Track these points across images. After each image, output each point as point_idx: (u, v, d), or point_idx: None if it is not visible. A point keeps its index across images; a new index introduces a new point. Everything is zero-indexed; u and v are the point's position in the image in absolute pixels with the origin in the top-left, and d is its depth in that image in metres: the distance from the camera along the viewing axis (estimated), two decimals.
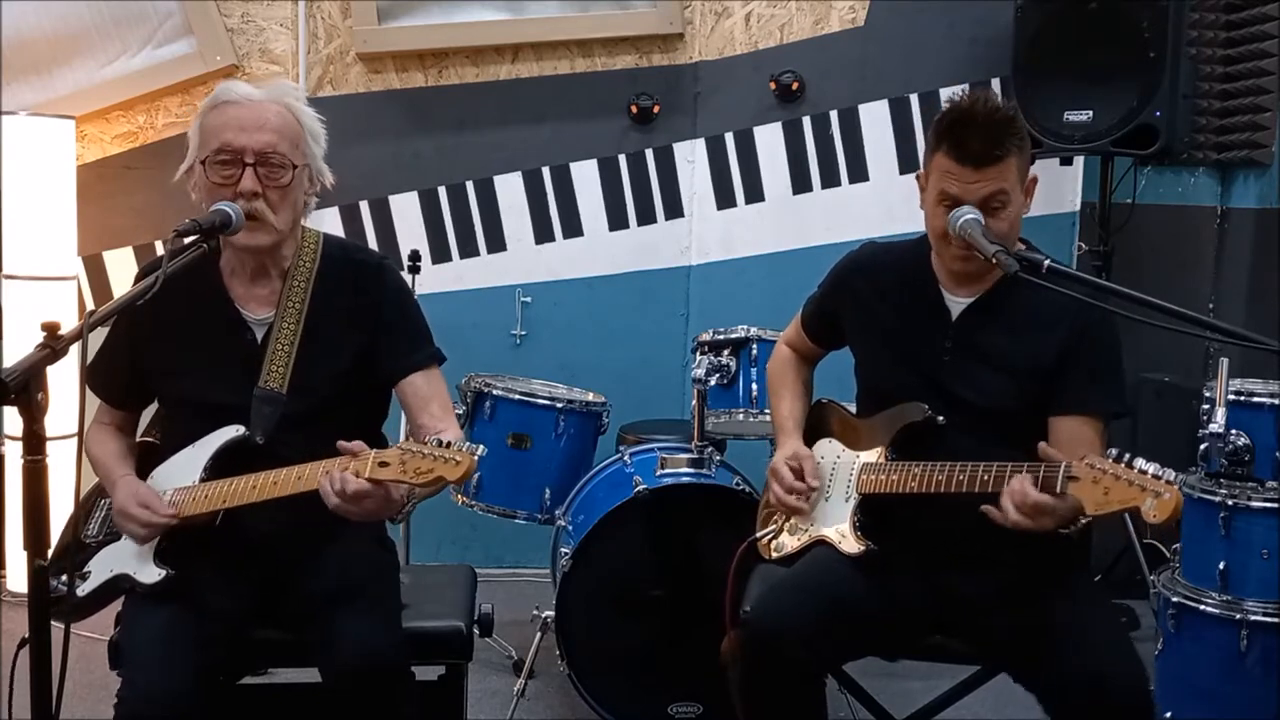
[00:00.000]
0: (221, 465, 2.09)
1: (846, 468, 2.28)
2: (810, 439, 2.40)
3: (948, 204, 2.10)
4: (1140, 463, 1.80)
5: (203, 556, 2.07)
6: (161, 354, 2.18)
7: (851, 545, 2.19)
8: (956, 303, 2.21)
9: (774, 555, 2.35)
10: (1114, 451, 1.85)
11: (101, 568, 2.13)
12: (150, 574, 2.05)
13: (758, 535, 2.39)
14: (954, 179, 2.09)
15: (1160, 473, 1.78)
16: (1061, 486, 1.88)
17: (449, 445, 1.85)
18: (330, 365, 2.15)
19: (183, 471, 2.12)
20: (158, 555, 2.06)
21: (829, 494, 2.29)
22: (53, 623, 1.64)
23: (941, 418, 2.16)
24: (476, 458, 1.83)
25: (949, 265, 2.18)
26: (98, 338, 1.92)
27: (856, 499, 2.23)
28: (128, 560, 2.09)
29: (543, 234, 4.17)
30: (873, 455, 2.24)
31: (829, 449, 2.36)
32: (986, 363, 2.17)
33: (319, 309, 2.16)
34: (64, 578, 2.06)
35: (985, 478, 1.99)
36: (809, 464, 2.31)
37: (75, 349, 1.63)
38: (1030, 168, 2.17)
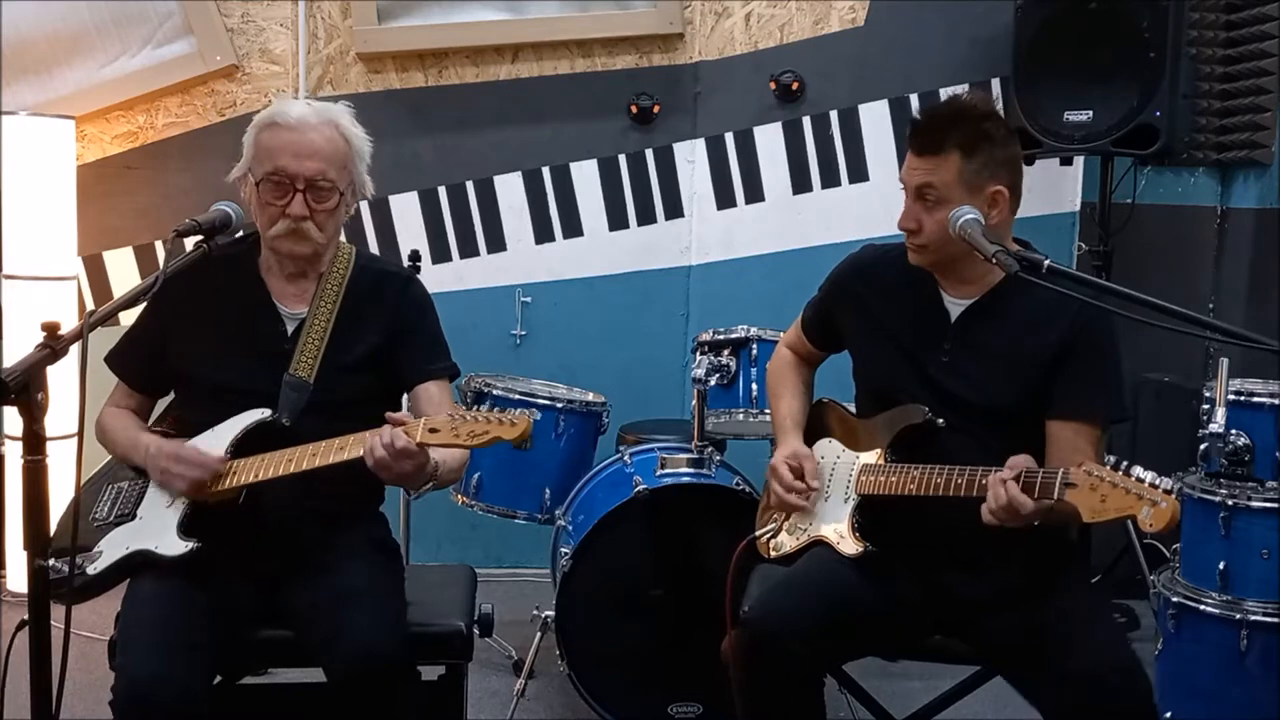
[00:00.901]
0: (245, 446, 2.13)
1: (846, 468, 2.28)
2: (810, 438, 2.40)
3: (905, 190, 2.17)
4: (1138, 470, 1.80)
5: (222, 538, 2.09)
6: (193, 338, 2.24)
7: (850, 546, 2.19)
8: (955, 304, 2.21)
9: (773, 554, 2.35)
10: (1112, 459, 1.84)
11: (115, 546, 2.13)
12: (175, 546, 2.07)
13: (756, 534, 2.39)
14: (906, 164, 2.17)
15: (1158, 481, 1.77)
16: (1059, 493, 1.87)
17: (504, 410, 1.98)
18: (353, 363, 2.23)
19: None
20: (182, 528, 2.09)
21: (828, 494, 2.29)
22: (53, 620, 1.65)
23: (941, 420, 2.16)
24: (533, 420, 1.93)
25: (911, 257, 2.21)
26: (100, 341, 1.92)
27: (856, 500, 2.22)
28: (147, 536, 2.11)
29: (543, 234, 4.17)
30: (872, 456, 2.24)
31: (829, 449, 2.36)
32: (985, 364, 2.16)
33: (348, 311, 2.25)
34: (70, 559, 2.07)
35: (984, 482, 1.98)
36: (809, 464, 2.31)
37: (75, 349, 1.63)
38: (993, 177, 2.11)
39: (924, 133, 2.14)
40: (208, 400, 2.22)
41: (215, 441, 2.14)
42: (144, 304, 2.07)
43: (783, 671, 2.07)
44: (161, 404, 2.37)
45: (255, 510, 2.13)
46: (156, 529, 2.11)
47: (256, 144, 2.20)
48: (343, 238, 2.35)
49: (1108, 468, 1.83)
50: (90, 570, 2.11)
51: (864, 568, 2.17)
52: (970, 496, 2.00)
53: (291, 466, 2.06)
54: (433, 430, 1.97)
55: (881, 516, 2.21)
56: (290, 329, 2.23)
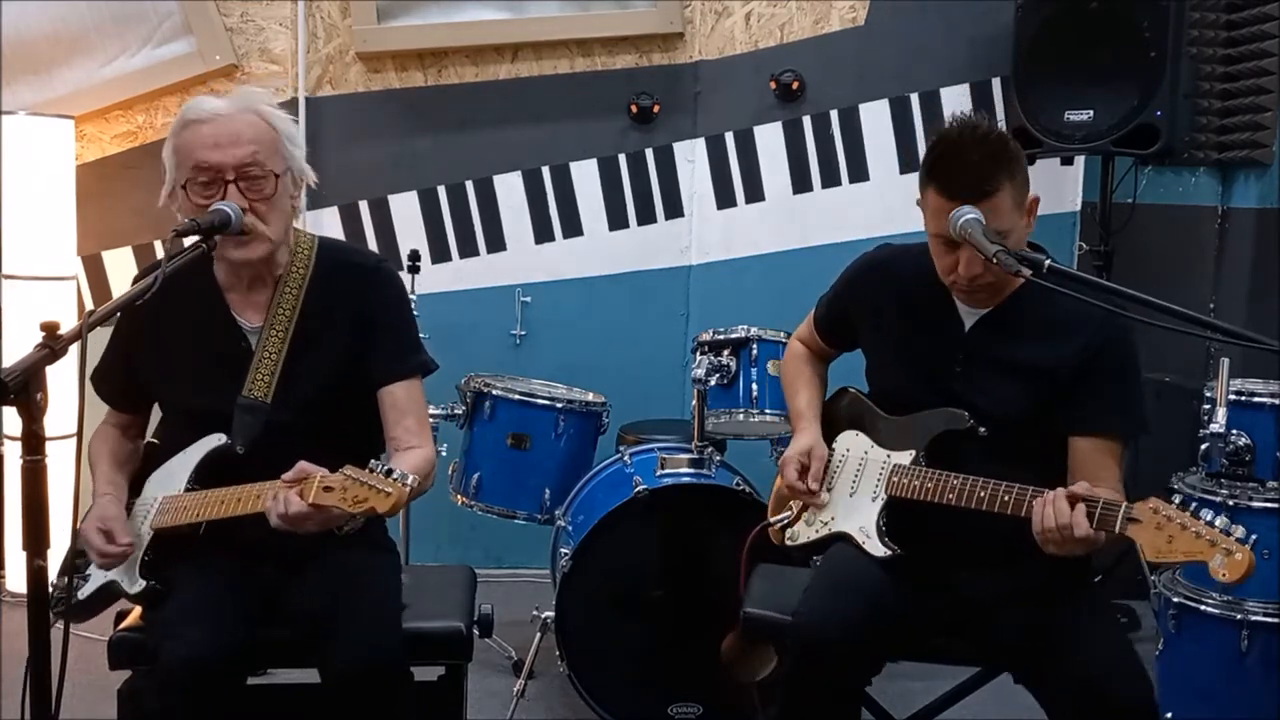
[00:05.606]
0: (208, 474, 2.08)
1: (876, 466, 2.23)
2: (836, 428, 2.35)
3: (943, 243, 2.07)
4: (1206, 514, 1.76)
5: (193, 565, 2.07)
6: (157, 360, 2.18)
7: (877, 547, 2.15)
8: (970, 314, 2.18)
9: (787, 543, 2.32)
10: (1178, 498, 1.80)
11: (98, 573, 2.13)
12: (135, 585, 2.06)
13: (770, 521, 2.36)
14: (947, 212, 2.04)
15: (1229, 528, 1.73)
16: (1120, 527, 1.83)
17: (389, 474, 1.82)
18: (320, 373, 2.14)
19: (172, 479, 2.12)
20: (142, 567, 2.06)
21: (854, 490, 2.24)
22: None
23: (984, 429, 2.11)
24: (408, 488, 1.81)
25: (961, 298, 2.15)
26: (99, 341, 1.92)
27: (884, 500, 2.18)
28: (118, 568, 2.10)
29: (542, 234, 4.17)
30: (905, 458, 2.19)
31: (856, 442, 2.30)
32: (999, 374, 2.14)
33: (311, 315, 2.15)
34: (67, 580, 2.08)
35: (1033, 502, 1.94)
36: (817, 464, 2.27)
37: (75, 349, 1.63)
38: (1028, 189, 2.09)
39: (972, 178, 2.01)
40: (177, 423, 2.18)
41: (181, 467, 2.10)
42: (113, 323, 1.99)
43: (833, 677, 2.05)
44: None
45: (229, 535, 2.06)
46: (126, 562, 2.08)
47: (176, 151, 2.07)
48: (311, 229, 2.25)
49: (1175, 507, 1.78)
50: (80, 595, 2.11)
51: (890, 569, 2.14)
52: (1017, 516, 1.95)
53: (224, 510, 2.00)
54: (327, 489, 1.84)
55: (903, 518, 2.17)
56: (253, 344, 2.13)
